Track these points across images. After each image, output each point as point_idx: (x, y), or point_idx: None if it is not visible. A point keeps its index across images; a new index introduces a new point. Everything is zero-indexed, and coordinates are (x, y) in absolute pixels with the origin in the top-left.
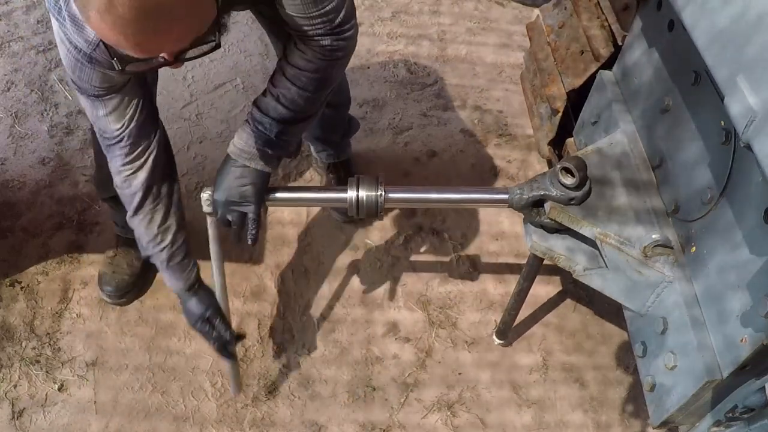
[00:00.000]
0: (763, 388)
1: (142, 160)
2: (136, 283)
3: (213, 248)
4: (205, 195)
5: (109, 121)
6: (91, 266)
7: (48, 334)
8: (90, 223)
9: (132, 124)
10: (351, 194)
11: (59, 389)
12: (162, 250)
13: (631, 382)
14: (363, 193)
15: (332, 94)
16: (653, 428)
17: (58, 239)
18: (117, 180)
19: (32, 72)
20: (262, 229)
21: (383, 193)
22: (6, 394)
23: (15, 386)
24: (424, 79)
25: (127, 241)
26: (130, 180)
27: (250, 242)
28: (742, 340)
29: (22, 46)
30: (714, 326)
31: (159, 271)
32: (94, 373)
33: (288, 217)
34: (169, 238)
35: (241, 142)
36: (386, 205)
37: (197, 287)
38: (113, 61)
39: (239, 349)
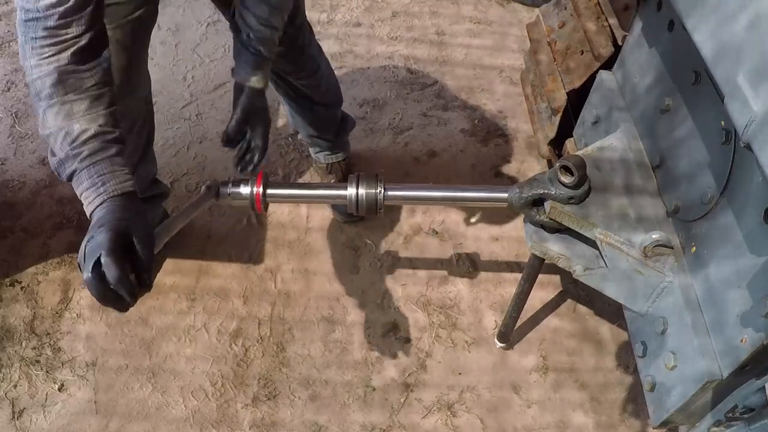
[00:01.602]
0: (763, 388)
1: (67, 45)
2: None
3: (190, 205)
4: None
5: None
6: None
7: (48, 334)
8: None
9: (67, 3)
10: (351, 191)
11: (59, 389)
12: (82, 143)
13: (631, 382)
14: (362, 191)
15: (323, 94)
16: (653, 428)
17: (58, 239)
18: (26, 65)
19: None
20: (263, 229)
21: (383, 190)
22: (6, 394)
23: (15, 386)
24: (424, 79)
25: None
26: (42, 65)
27: (250, 167)
28: (742, 340)
29: None
30: (714, 326)
31: (77, 193)
32: (94, 373)
33: (288, 218)
34: (94, 126)
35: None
36: (386, 202)
37: (129, 203)
38: None
39: (236, 348)
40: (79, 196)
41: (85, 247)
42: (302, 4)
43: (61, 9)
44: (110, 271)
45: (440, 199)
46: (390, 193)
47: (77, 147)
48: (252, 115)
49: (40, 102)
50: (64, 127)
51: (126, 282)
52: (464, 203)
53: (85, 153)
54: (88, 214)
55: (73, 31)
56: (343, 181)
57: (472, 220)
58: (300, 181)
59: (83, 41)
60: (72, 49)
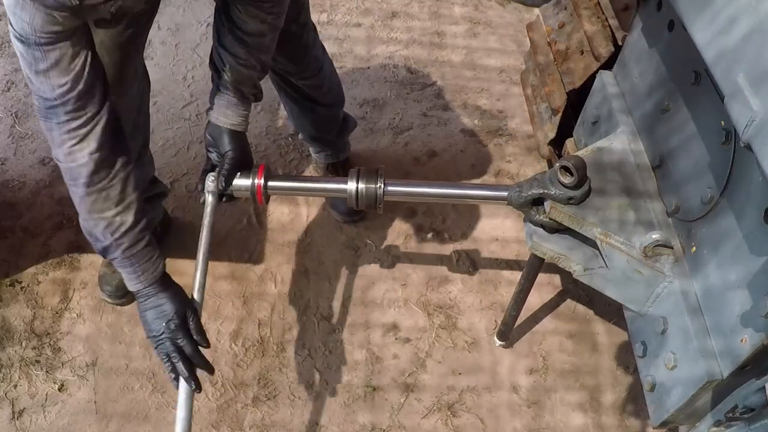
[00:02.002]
0: (763, 388)
1: (90, 126)
2: None
3: (205, 234)
4: (210, 180)
5: (51, 76)
6: (91, 266)
7: (48, 334)
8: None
9: (80, 86)
10: (351, 186)
11: (59, 389)
12: (122, 235)
13: (631, 382)
14: (363, 185)
15: (325, 94)
16: (653, 428)
17: (58, 239)
18: (59, 153)
19: None
20: (263, 229)
21: (383, 185)
22: (6, 394)
23: (15, 386)
24: (424, 79)
25: None
26: (75, 152)
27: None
28: (742, 340)
29: None
30: (714, 326)
31: (117, 269)
32: (94, 373)
33: (288, 218)
34: (129, 219)
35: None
36: (385, 197)
37: (165, 284)
38: None
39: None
40: (120, 272)
41: (155, 336)
42: (307, 2)
43: (75, 93)
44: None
45: (440, 196)
46: (390, 188)
47: (118, 239)
48: (242, 160)
49: (76, 189)
50: (103, 218)
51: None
52: (464, 200)
53: (125, 245)
54: (132, 290)
55: (92, 109)
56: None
57: (473, 220)
58: None
59: (104, 116)
60: (100, 127)
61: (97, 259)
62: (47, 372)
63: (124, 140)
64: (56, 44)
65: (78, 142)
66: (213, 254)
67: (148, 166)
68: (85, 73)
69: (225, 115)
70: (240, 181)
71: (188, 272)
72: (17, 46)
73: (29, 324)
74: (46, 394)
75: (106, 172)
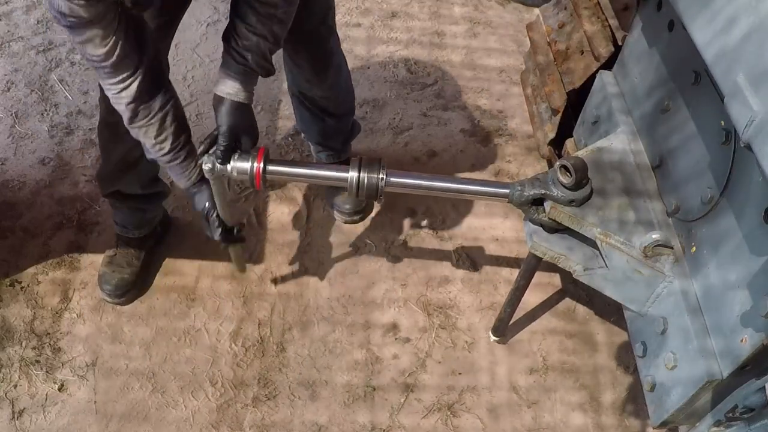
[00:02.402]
0: (763, 388)
1: (127, 83)
2: (135, 282)
3: (218, 201)
4: (207, 166)
5: (88, 47)
6: (91, 266)
7: (48, 334)
8: (90, 223)
9: (113, 58)
10: (352, 174)
11: (59, 389)
12: (162, 155)
13: (631, 382)
14: (364, 174)
15: (338, 105)
16: (653, 428)
17: (58, 239)
18: (108, 95)
19: (32, 72)
20: (263, 229)
21: (384, 176)
22: (6, 394)
23: (15, 386)
24: (424, 79)
25: (128, 240)
26: (117, 99)
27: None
28: (742, 340)
29: (22, 46)
30: (714, 326)
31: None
32: (94, 373)
33: (288, 218)
34: (167, 146)
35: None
36: (386, 188)
37: (199, 186)
38: None
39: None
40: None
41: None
42: (334, 6)
43: (109, 63)
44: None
45: (441, 190)
46: (392, 179)
47: (160, 157)
48: (240, 132)
49: (123, 119)
50: (147, 143)
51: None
52: (465, 195)
53: (165, 161)
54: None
55: (127, 72)
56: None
57: (473, 220)
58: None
59: (139, 76)
60: (133, 86)
61: (97, 259)
62: (47, 372)
63: (161, 87)
64: (84, 29)
65: (117, 93)
66: (213, 254)
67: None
68: (118, 49)
69: (227, 85)
70: (238, 164)
71: (188, 272)
72: (58, 23)
73: (29, 324)
74: (46, 394)
75: (143, 116)
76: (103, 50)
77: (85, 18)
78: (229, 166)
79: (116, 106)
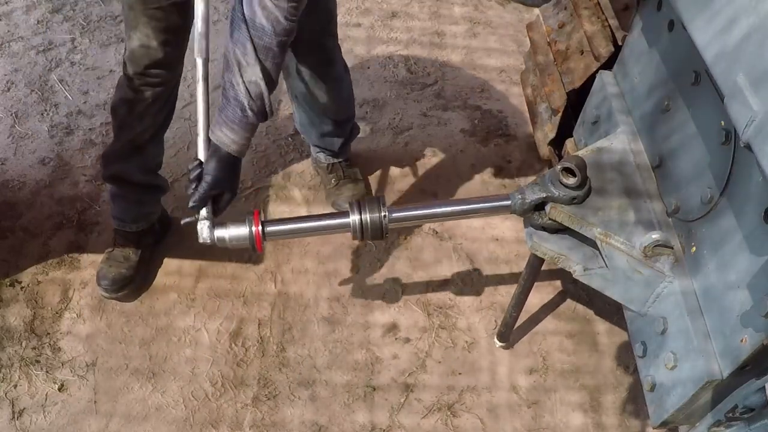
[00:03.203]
0: (763, 388)
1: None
2: (133, 277)
3: (200, 87)
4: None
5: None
6: (91, 266)
7: (48, 334)
8: (90, 223)
9: None
10: (354, 218)
11: (59, 389)
12: (257, 99)
13: (631, 382)
14: (366, 216)
15: (337, 110)
16: (653, 428)
17: (58, 239)
18: (281, 28)
19: (32, 72)
20: None
21: (386, 213)
22: (6, 394)
23: (15, 386)
24: (424, 79)
25: (125, 234)
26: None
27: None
28: (742, 340)
29: (22, 46)
30: (714, 326)
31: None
32: (94, 373)
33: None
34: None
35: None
36: (390, 225)
37: (232, 156)
38: None
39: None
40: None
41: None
42: (336, 13)
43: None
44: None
45: (445, 215)
46: (394, 215)
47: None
48: (223, 187)
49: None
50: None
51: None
52: (469, 216)
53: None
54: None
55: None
56: (343, 180)
57: (473, 220)
58: (300, 180)
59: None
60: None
61: (98, 259)
62: (47, 372)
63: None
64: None
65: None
66: (213, 254)
67: (159, 148)
68: None
69: (220, 129)
70: (237, 231)
71: (188, 273)
72: None
73: (29, 324)
74: (46, 394)
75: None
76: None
77: None
78: (226, 236)
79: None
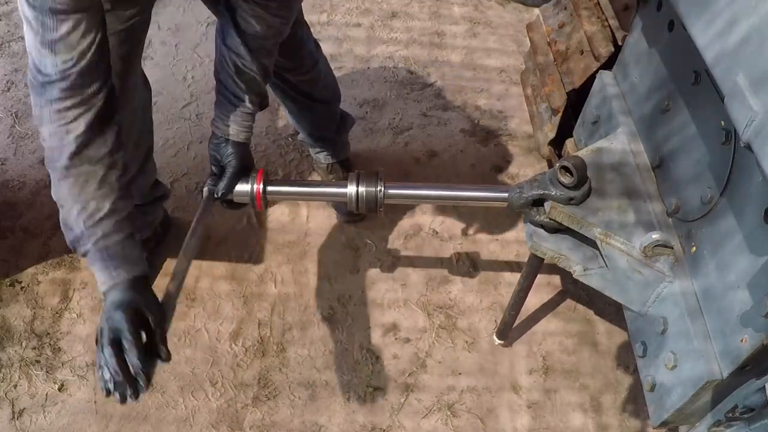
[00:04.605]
0: (764, 388)
1: (83, 108)
2: None
3: (197, 218)
4: (207, 190)
5: (57, 50)
6: None
7: (48, 334)
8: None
9: (83, 61)
10: (351, 189)
11: (59, 389)
12: (95, 223)
13: (631, 382)
14: (363, 189)
15: (322, 90)
16: (653, 428)
17: (58, 239)
18: (45, 131)
19: None
20: (263, 229)
21: (383, 188)
22: (6, 394)
23: (15, 386)
24: (424, 79)
25: None
26: (61, 132)
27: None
28: (742, 340)
29: (22, 46)
30: (714, 326)
31: (88, 265)
32: (94, 373)
33: (288, 218)
34: (107, 206)
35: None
36: (386, 200)
37: (143, 285)
38: None
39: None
40: (92, 271)
41: (104, 325)
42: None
43: (76, 70)
44: (132, 352)
45: (441, 198)
46: (390, 191)
47: (92, 226)
48: (244, 166)
49: (54, 170)
50: (78, 201)
51: (144, 363)
52: (465, 202)
53: (99, 234)
54: (100, 292)
55: (89, 90)
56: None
57: (473, 220)
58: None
59: (100, 101)
60: (92, 112)
61: None
62: (47, 372)
63: (116, 128)
64: (70, 14)
65: (66, 123)
66: (213, 254)
67: (150, 173)
68: (91, 52)
69: (227, 124)
70: (238, 187)
71: (188, 273)
72: (27, 14)
73: (29, 324)
74: (46, 394)
75: (89, 157)
76: (75, 52)
77: (76, 2)
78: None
79: (53, 144)
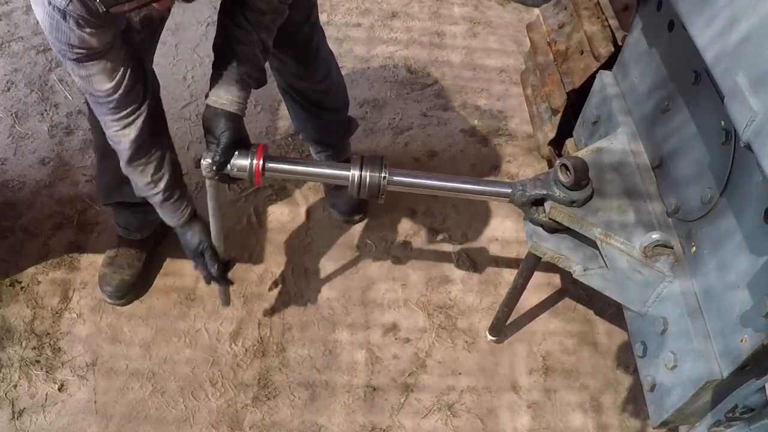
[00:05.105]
0: (763, 388)
1: (131, 119)
2: (136, 283)
3: (211, 205)
4: (205, 162)
5: (95, 81)
6: (91, 266)
7: (48, 334)
8: (90, 223)
9: (120, 91)
10: (354, 172)
11: (59, 389)
12: (156, 194)
13: (631, 382)
14: (366, 173)
15: (333, 99)
16: (653, 428)
17: (58, 239)
18: (108, 133)
19: (32, 72)
20: (263, 229)
21: (387, 174)
22: (6, 394)
23: (15, 386)
24: (424, 79)
25: (129, 242)
26: (119, 136)
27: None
28: (742, 340)
29: (22, 46)
30: (714, 326)
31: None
32: (94, 373)
33: (288, 218)
34: (161, 185)
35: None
36: (389, 187)
37: (191, 224)
38: (96, 3)
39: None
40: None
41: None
42: (317, 2)
43: (117, 96)
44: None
45: (443, 189)
46: (394, 178)
47: (152, 197)
48: (238, 139)
49: (121, 159)
50: (141, 182)
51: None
52: (468, 195)
53: (158, 201)
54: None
55: (133, 105)
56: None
57: (473, 220)
58: (300, 180)
59: (145, 111)
60: (138, 120)
61: (97, 259)
62: (47, 372)
63: (163, 127)
64: (92, 61)
65: (120, 129)
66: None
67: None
68: (125, 81)
69: (220, 96)
70: (238, 161)
71: (188, 273)
72: (63, 61)
73: (29, 324)
74: (46, 394)
75: (144, 155)
76: (110, 84)
77: (95, 48)
78: (228, 164)
79: (116, 146)
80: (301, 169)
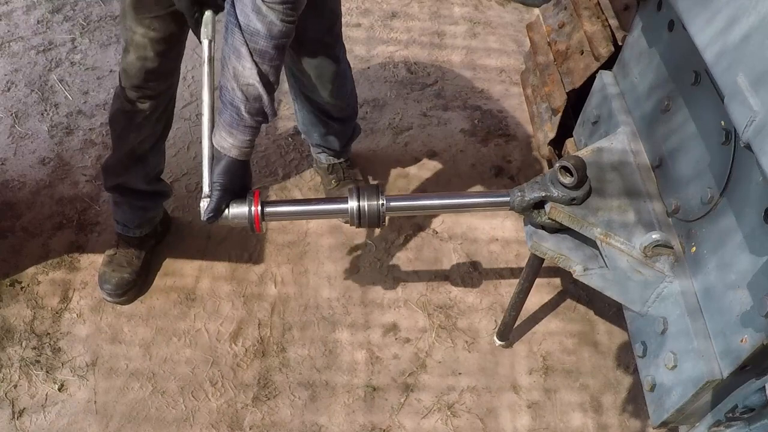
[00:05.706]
0: (763, 388)
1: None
2: (135, 281)
3: (206, 69)
4: (200, 209)
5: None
6: (91, 266)
7: (48, 334)
8: (90, 223)
9: None
10: (352, 205)
11: (59, 389)
12: (268, 81)
13: (631, 382)
14: (364, 203)
15: (343, 110)
16: (653, 428)
17: (58, 239)
18: (274, 43)
19: (32, 72)
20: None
21: (384, 202)
22: (6, 394)
23: (15, 386)
24: (424, 79)
25: (128, 239)
26: (291, 30)
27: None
28: (742, 340)
29: (22, 46)
30: (714, 326)
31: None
32: (94, 373)
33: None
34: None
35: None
36: (388, 213)
37: (237, 159)
38: None
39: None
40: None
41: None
42: (341, 13)
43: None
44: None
45: (443, 207)
46: (392, 203)
47: (255, 86)
48: (233, 188)
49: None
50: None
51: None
52: (467, 210)
53: (259, 88)
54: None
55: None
56: (343, 181)
57: (473, 220)
58: (300, 180)
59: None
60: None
61: (97, 259)
62: (47, 372)
63: None
64: None
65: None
66: (213, 254)
67: (160, 156)
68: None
69: (222, 137)
70: (234, 210)
71: (188, 272)
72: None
73: (29, 324)
74: (46, 394)
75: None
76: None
77: None
78: (226, 212)
79: (273, 54)
80: (299, 209)
